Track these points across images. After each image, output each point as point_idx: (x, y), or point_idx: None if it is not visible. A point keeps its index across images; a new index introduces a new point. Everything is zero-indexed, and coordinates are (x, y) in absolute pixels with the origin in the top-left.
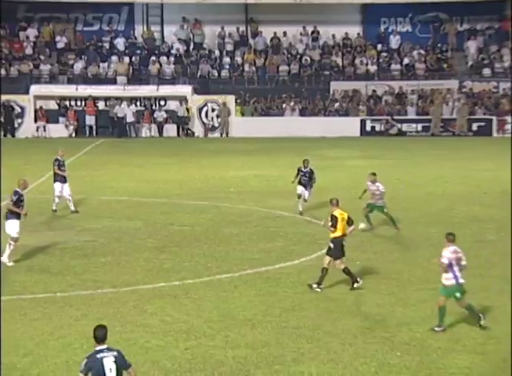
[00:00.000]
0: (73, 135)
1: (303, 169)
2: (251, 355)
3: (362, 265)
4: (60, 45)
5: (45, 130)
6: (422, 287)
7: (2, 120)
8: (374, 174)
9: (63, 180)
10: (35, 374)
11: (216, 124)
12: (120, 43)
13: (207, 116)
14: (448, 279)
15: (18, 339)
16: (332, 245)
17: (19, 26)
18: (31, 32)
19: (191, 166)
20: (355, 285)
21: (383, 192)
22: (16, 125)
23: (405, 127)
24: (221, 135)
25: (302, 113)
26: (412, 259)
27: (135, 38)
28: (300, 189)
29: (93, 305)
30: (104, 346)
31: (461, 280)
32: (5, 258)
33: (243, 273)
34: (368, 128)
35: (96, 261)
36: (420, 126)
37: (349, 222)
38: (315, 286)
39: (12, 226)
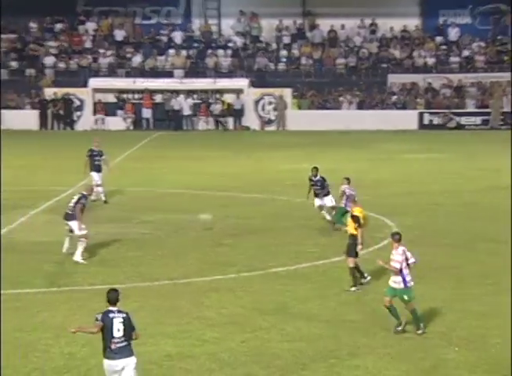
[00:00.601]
0: (131, 127)
1: (313, 178)
2: (307, 348)
3: (421, 260)
4: (119, 39)
5: (103, 123)
6: (481, 281)
7: (62, 113)
8: (348, 179)
9: (99, 169)
10: (93, 363)
11: (272, 118)
12: (177, 36)
13: (263, 109)
14: (396, 282)
15: None
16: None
17: (78, 20)
18: (90, 26)
19: (247, 159)
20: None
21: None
22: (74, 118)
23: (463, 120)
24: (278, 128)
25: (359, 106)
26: (472, 254)
27: (193, 32)
28: (317, 201)
29: (150, 297)
30: (115, 308)
31: (409, 284)
32: (78, 257)
33: (299, 267)
34: (426, 122)
35: (153, 253)
36: (479, 119)
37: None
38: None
39: (75, 226)
